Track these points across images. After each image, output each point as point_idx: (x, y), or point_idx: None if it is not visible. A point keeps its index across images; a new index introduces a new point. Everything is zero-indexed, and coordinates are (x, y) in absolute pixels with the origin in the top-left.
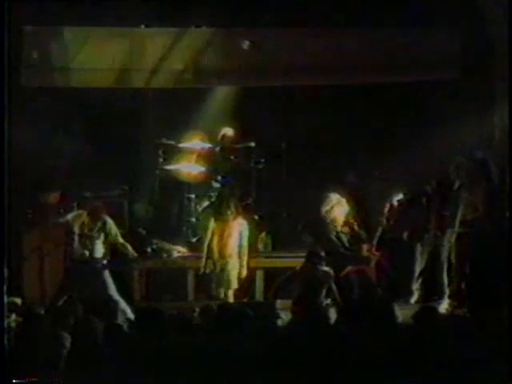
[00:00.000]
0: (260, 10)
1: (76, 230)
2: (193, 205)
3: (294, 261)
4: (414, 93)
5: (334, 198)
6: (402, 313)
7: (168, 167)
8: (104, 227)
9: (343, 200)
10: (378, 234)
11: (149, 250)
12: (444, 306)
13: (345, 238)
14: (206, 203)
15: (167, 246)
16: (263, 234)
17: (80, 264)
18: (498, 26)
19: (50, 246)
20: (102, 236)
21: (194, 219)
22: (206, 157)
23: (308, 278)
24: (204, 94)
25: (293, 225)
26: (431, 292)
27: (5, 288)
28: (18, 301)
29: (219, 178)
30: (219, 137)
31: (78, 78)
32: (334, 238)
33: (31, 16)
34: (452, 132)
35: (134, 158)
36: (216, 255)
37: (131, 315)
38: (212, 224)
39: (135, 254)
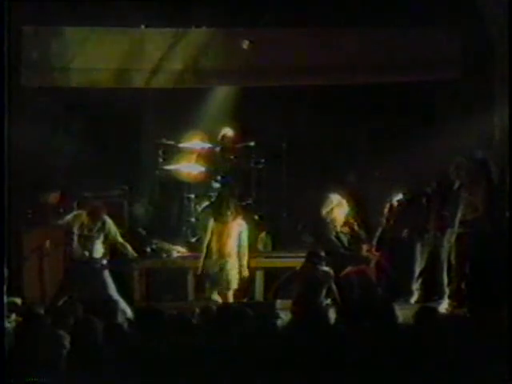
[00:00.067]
0: (260, 10)
1: (76, 230)
2: (192, 205)
3: (294, 261)
4: (414, 93)
5: (334, 198)
6: (402, 313)
7: (168, 167)
8: (104, 227)
9: (343, 200)
10: (378, 234)
11: (148, 249)
12: (444, 306)
13: (345, 238)
14: (205, 203)
15: (167, 245)
16: (263, 234)
17: (80, 264)
18: (498, 26)
19: (50, 246)
20: (102, 236)
21: (193, 219)
22: (206, 157)
23: (308, 278)
24: (204, 94)
25: (293, 225)
26: (431, 292)
27: (5, 288)
28: (18, 301)
29: (219, 178)
30: (219, 137)
31: (77, 77)
32: (333, 238)
33: (31, 16)
34: (452, 132)
35: (134, 158)
36: (215, 255)
37: (131, 315)
38: (212, 224)
39: (135, 254)
